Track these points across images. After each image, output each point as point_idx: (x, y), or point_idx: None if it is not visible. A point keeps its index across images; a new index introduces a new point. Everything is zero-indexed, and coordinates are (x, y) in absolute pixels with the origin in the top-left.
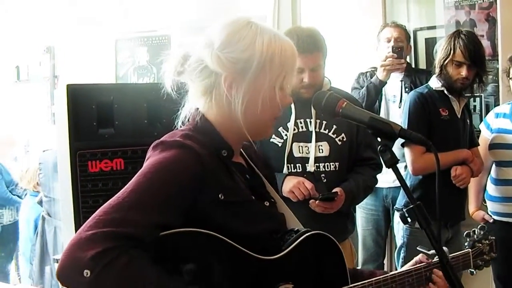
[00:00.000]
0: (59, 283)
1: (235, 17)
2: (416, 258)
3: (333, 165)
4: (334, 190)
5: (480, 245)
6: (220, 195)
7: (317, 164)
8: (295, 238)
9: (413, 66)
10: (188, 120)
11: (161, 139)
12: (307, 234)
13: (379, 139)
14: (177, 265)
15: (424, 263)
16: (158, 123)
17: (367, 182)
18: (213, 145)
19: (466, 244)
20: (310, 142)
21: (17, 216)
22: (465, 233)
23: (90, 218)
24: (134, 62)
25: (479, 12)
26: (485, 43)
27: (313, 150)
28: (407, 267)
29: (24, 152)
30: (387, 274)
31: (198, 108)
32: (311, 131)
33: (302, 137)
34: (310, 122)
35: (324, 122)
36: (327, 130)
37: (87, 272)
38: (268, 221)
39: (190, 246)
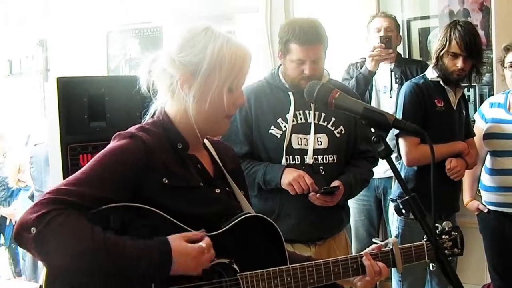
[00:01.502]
0: None
1: (195, 23)
2: (371, 247)
3: (331, 157)
4: (334, 184)
5: (438, 238)
6: (164, 179)
7: (316, 156)
8: (234, 218)
9: (407, 56)
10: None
11: (121, 131)
12: (245, 216)
13: (373, 130)
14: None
15: (375, 251)
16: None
17: (363, 175)
18: (169, 138)
19: (423, 237)
20: (309, 134)
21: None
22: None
23: (46, 191)
24: (125, 54)
25: (472, 1)
26: (479, 32)
27: (312, 142)
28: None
29: (17, 146)
30: (329, 259)
31: (163, 107)
32: (310, 123)
33: (301, 128)
34: (309, 113)
35: (323, 114)
36: (326, 122)
37: (33, 229)
38: (214, 205)
39: (127, 219)
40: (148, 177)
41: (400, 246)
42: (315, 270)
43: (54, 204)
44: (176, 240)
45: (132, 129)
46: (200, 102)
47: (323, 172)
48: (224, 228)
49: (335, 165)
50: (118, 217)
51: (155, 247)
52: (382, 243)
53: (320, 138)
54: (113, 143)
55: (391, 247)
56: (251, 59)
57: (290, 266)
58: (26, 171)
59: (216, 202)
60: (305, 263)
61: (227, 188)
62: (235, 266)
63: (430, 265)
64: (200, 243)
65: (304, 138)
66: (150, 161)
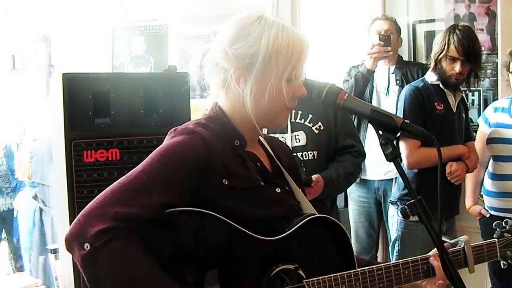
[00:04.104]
0: (52, 271)
1: (247, 12)
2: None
3: (311, 153)
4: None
5: (510, 235)
6: (224, 181)
7: (295, 154)
8: (299, 221)
9: (412, 59)
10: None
11: (177, 126)
12: (310, 217)
13: (380, 132)
14: (174, 242)
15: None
16: (155, 113)
17: (348, 169)
18: (226, 134)
19: (494, 234)
20: (286, 132)
21: (11, 205)
22: (494, 223)
23: (101, 194)
24: (131, 52)
25: (479, 5)
26: (485, 37)
27: (290, 140)
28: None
29: (19, 141)
30: (399, 260)
31: (216, 102)
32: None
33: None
34: None
35: (300, 112)
36: (303, 120)
37: (87, 245)
38: (276, 206)
39: (189, 225)
40: (208, 178)
41: (472, 244)
42: (384, 273)
43: (114, 220)
44: None
45: (189, 124)
46: (257, 96)
47: (304, 169)
48: (288, 232)
49: (316, 161)
50: (180, 224)
51: None
52: (451, 241)
53: (298, 135)
54: (170, 140)
55: (462, 245)
56: (309, 47)
57: (359, 270)
58: None
59: (278, 202)
60: (374, 266)
61: (286, 187)
62: (300, 272)
63: (502, 263)
64: None
65: (282, 137)
66: (211, 160)
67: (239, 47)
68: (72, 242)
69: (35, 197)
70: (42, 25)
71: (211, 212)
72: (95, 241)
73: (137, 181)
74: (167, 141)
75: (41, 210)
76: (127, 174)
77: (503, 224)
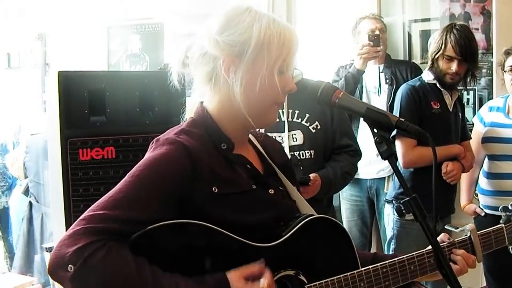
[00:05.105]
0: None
1: (235, 4)
2: (440, 238)
3: (308, 152)
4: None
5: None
6: (214, 188)
7: (292, 153)
8: (296, 223)
9: (407, 58)
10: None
11: (160, 136)
12: (308, 219)
13: (375, 130)
14: (163, 258)
15: (445, 243)
16: (150, 112)
17: (345, 168)
18: (211, 139)
19: (501, 220)
20: (283, 132)
21: (7, 204)
22: (501, 207)
23: (79, 218)
24: (126, 50)
25: (474, 5)
26: (480, 36)
27: (287, 139)
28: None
29: (15, 139)
30: (404, 256)
31: (201, 102)
32: (284, 121)
33: (274, 128)
34: (283, 112)
35: (297, 112)
36: (300, 119)
37: (70, 267)
38: (270, 209)
39: (178, 238)
40: (196, 187)
41: (478, 232)
42: (390, 271)
43: (91, 235)
44: (234, 280)
45: (171, 133)
46: (248, 86)
47: (302, 168)
48: (286, 236)
49: (313, 160)
50: (165, 239)
51: None
52: (457, 230)
53: (295, 134)
54: (151, 153)
55: (468, 234)
56: (298, 40)
57: (363, 269)
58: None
59: (272, 205)
60: (378, 264)
61: (280, 187)
62: (302, 278)
63: (510, 248)
64: (261, 281)
65: (279, 137)
66: (196, 169)
67: (230, 34)
68: (56, 270)
69: (26, 193)
70: (38, 23)
71: (201, 223)
72: (77, 259)
73: (114, 199)
74: (149, 154)
75: (30, 204)
76: (106, 194)
77: (510, 207)
